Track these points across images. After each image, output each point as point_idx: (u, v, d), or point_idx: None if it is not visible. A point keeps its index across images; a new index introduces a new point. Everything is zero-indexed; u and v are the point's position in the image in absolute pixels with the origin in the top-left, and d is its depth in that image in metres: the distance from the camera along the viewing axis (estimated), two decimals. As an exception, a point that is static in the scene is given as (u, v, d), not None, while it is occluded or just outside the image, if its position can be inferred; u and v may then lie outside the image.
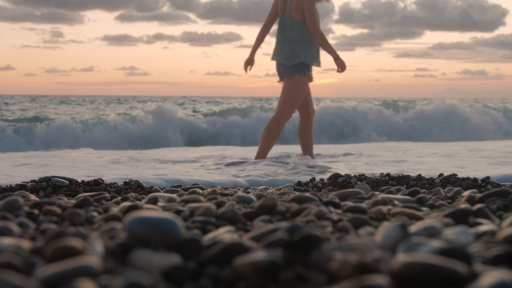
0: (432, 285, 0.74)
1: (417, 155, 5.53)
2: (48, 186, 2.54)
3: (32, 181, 2.60)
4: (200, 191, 2.16)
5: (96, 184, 2.62)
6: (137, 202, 1.62)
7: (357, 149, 6.15)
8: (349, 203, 1.52)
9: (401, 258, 0.77)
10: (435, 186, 2.86)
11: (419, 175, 3.03)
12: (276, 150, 5.52)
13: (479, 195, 1.59)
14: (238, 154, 5.76)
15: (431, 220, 1.20)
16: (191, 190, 2.10)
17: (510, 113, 14.26)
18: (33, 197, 1.92)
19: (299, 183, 2.96)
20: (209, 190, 2.31)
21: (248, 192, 2.40)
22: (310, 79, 4.96)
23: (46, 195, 2.48)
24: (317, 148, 5.67)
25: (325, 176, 3.38)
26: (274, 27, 5.14)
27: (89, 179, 2.68)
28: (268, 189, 2.77)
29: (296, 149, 5.81)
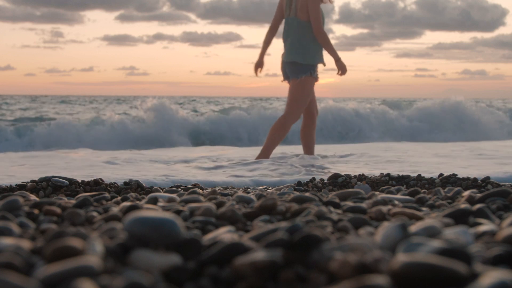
0: (432, 285, 0.74)
1: (418, 155, 5.53)
2: (48, 186, 2.54)
3: (32, 181, 2.60)
4: (200, 191, 2.17)
5: (96, 184, 2.62)
6: (137, 202, 1.62)
7: (358, 149, 6.15)
8: (349, 203, 1.52)
9: (401, 258, 0.77)
10: (435, 186, 2.86)
11: (419, 175, 3.03)
12: (277, 150, 5.52)
13: (479, 195, 1.59)
14: (238, 154, 5.76)
15: (431, 220, 1.20)
16: (191, 190, 2.10)
17: None
18: (33, 197, 1.92)
19: (299, 183, 2.96)
20: (209, 190, 2.31)
21: (248, 192, 2.40)
22: (316, 79, 5.00)
23: (46, 195, 2.48)
24: (318, 148, 5.67)
25: (325, 176, 3.38)
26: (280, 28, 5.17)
27: (89, 179, 2.68)
28: (268, 189, 2.77)
29: (296, 149, 5.81)
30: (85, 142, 8.97)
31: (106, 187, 2.61)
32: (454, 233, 1.02)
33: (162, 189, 2.58)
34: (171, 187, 2.74)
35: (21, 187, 2.55)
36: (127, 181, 2.72)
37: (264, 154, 4.94)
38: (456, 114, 12.16)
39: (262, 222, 1.26)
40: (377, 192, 1.97)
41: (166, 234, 0.93)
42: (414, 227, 1.05)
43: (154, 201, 1.58)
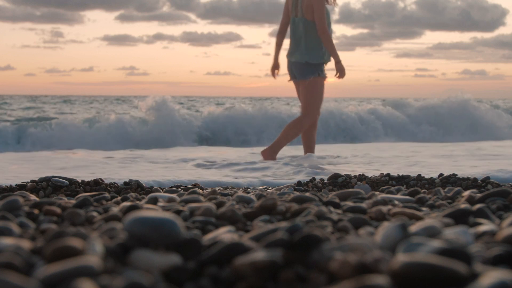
0: (432, 285, 0.74)
1: (420, 156, 5.53)
2: (48, 186, 2.54)
3: (32, 181, 2.60)
4: (200, 191, 2.16)
5: (96, 184, 2.62)
6: (137, 202, 1.62)
7: (358, 150, 6.15)
8: (349, 203, 1.52)
9: (401, 258, 0.77)
10: (435, 186, 2.86)
11: (419, 175, 3.03)
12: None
13: (479, 195, 1.59)
14: (238, 154, 5.76)
15: (431, 220, 1.20)
16: (191, 190, 2.10)
17: None
18: (33, 197, 1.92)
19: (299, 183, 2.96)
20: (209, 190, 2.31)
21: (248, 192, 2.40)
22: (324, 77, 5.04)
23: (46, 195, 2.48)
24: (318, 148, 5.67)
25: (325, 176, 3.38)
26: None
27: (89, 179, 2.68)
28: (268, 189, 2.77)
29: (296, 149, 5.81)
30: (84, 142, 8.96)
31: (106, 187, 2.61)
32: (454, 233, 1.02)
33: (162, 189, 2.58)
34: (171, 187, 2.74)
35: (21, 187, 2.55)
36: (127, 181, 2.72)
37: (274, 147, 4.98)
38: (465, 115, 12.00)
39: (262, 222, 1.26)
40: (377, 192, 1.97)
41: (166, 234, 0.93)
42: (414, 227, 1.05)
43: (154, 201, 1.58)
